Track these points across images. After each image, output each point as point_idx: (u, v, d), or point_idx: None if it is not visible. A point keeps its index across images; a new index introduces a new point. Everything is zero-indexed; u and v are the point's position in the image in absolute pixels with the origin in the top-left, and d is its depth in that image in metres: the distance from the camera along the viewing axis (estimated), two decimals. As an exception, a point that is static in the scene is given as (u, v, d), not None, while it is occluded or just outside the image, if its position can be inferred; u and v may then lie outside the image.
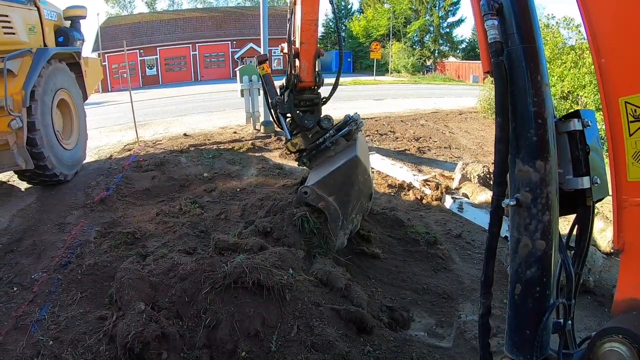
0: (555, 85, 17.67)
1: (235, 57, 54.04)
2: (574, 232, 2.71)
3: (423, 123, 17.43)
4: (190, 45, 54.80)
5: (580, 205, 2.56)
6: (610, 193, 2.33)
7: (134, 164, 11.24)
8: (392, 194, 9.96)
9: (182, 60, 55.34)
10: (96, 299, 5.36)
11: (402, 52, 57.71)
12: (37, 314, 5.08)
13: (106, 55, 46.72)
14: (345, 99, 24.62)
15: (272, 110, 7.10)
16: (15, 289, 5.71)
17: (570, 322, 2.59)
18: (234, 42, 54.66)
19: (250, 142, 13.51)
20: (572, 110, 13.86)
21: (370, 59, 49.53)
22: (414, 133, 15.67)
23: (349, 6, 75.25)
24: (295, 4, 6.68)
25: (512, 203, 2.38)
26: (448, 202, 9.30)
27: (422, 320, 5.58)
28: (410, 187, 10.10)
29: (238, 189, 9.35)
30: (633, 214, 2.18)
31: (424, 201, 9.55)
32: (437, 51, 63.90)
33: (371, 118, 18.00)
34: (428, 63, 60.28)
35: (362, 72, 57.55)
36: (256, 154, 12.61)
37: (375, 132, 15.35)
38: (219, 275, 4.59)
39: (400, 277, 6.49)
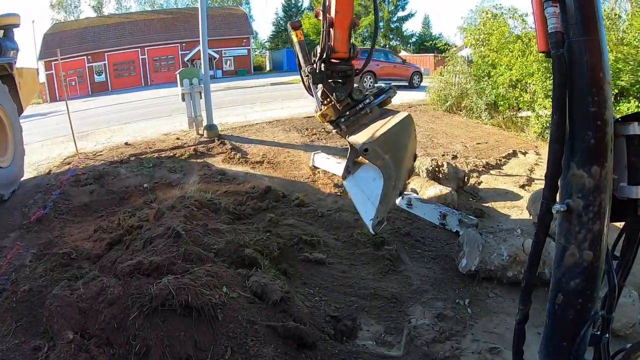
0: (504, 74, 17.88)
1: (185, 59, 53.43)
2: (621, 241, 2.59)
3: (372, 118, 17.38)
4: (139, 49, 53.91)
5: (630, 214, 2.43)
6: None
7: (73, 179, 10.79)
8: (339, 193, 9.83)
9: (131, 65, 54.39)
10: (32, 328, 5.02)
11: (353, 48, 58.05)
12: (-29, 348, 4.76)
13: (52, 63, 45.62)
14: (294, 98, 24.50)
15: (303, 79, 7.08)
16: (-52, 320, 5.35)
17: (607, 335, 2.45)
18: (184, 44, 53.98)
19: (192, 148, 13.22)
20: (521, 97, 14.06)
21: (322, 56, 49.70)
22: (362, 129, 15.63)
23: (300, 4, 75.32)
24: None
25: (562, 209, 2.26)
26: (398, 198, 9.18)
27: (370, 328, 5.46)
28: (357, 185, 9.97)
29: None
30: None
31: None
32: (387, 46, 64.42)
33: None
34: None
35: (314, 69, 57.80)
36: (198, 160, 12.32)
37: (322, 129, 15.22)
38: (145, 299, 4.39)
39: (347, 282, 6.38)
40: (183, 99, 14.55)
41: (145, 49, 53.86)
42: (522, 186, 11.29)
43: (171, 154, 12.74)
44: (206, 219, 7.13)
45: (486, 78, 19.24)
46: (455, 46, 26.59)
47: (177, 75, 14.68)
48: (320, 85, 6.88)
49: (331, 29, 6.66)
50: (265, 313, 4.78)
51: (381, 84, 7.06)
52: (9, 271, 6.51)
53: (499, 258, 6.42)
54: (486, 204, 10.19)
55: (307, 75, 6.80)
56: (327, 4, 6.80)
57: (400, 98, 23.31)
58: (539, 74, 15.94)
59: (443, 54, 25.70)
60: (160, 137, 15.26)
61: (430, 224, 8.32)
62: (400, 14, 65.23)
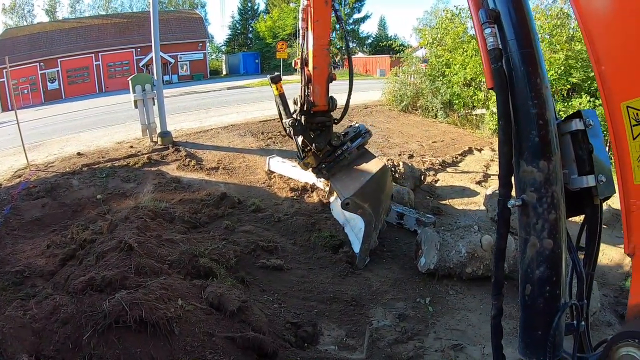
0: (458, 72, 18.20)
1: (140, 64, 52.66)
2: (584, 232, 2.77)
3: (326, 120, 17.39)
4: (93, 54, 52.79)
5: (588, 205, 2.62)
6: (617, 192, 2.37)
7: (24, 192, 10.43)
8: (295, 197, 9.81)
9: (85, 71, 53.23)
10: (-14, 354, 4.89)
11: (308, 51, 58.06)
12: None
13: (4, 70, 44.42)
14: (250, 102, 24.44)
15: (285, 129, 7.50)
16: None
17: (583, 323, 2.62)
18: (139, 49, 53.11)
19: (146, 156, 12.99)
20: (475, 95, 14.35)
21: (277, 59, 49.44)
22: (317, 131, 15.62)
23: (255, 7, 75.08)
24: (307, 29, 6.92)
25: (518, 203, 2.46)
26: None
27: (332, 333, 5.47)
28: (313, 188, 9.97)
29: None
30: None
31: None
32: (343, 48, 64.85)
33: (274, 119, 17.71)
34: (336, 59, 60.91)
35: (270, 72, 57.17)
36: (153, 169, 12.11)
37: (278, 133, 15.22)
38: (99, 316, 4.27)
39: (306, 287, 6.39)
40: (136, 106, 14.27)
41: (100, 54, 52.81)
42: (479, 182, 11.48)
43: (125, 163, 12.49)
44: (160, 230, 7.02)
45: (441, 77, 19.51)
46: (411, 47, 26.88)
47: (130, 82, 14.41)
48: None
49: (310, 84, 6.98)
50: (223, 324, 4.72)
51: (358, 124, 7.46)
52: (-41, 291, 6.28)
53: (457, 255, 6.51)
54: (444, 202, 10.30)
55: (289, 127, 7.15)
56: (305, 59, 7.08)
57: (358, 99, 23.45)
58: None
59: (398, 55, 25.99)
60: (114, 145, 14.94)
61: (387, 223, 8.34)
62: (357, 15, 65.86)
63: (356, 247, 7.12)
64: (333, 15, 7.08)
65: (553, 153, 2.40)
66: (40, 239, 8.06)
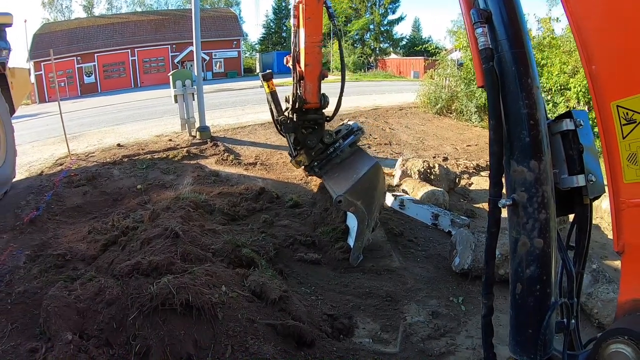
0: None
1: (175, 61, 53.24)
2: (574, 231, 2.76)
3: (363, 120, 17.42)
4: (129, 50, 53.63)
5: (578, 204, 2.61)
6: (607, 192, 2.37)
7: (66, 180, 10.77)
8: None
9: (121, 66, 54.09)
10: (27, 330, 4.96)
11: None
12: (-32, 352, 4.72)
13: (42, 63, 45.25)
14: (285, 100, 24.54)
15: (277, 127, 7.57)
16: (-55, 325, 5.31)
17: (574, 322, 2.63)
18: (174, 46, 53.79)
19: (185, 149, 13.20)
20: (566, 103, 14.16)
21: (311, 59, 49.57)
22: (353, 130, 15.65)
23: (290, 6, 75.11)
24: (298, 26, 6.94)
25: (508, 203, 2.46)
26: (389, 199, 9.25)
27: (367, 326, 5.50)
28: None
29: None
30: (631, 215, 2.23)
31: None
32: (378, 49, 64.55)
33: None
34: (370, 60, 60.74)
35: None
36: (191, 162, 12.33)
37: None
38: (145, 298, 4.41)
39: (342, 282, 6.45)
40: (176, 101, 14.52)
41: (136, 50, 53.62)
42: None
43: (164, 156, 12.73)
44: (202, 220, 7.14)
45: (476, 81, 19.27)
46: (445, 49, 26.68)
47: (170, 77, 14.65)
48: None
49: (302, 81, 6.94)
50: (264, 312, 4.81)
51: (349, 122, 7.40)
52: (3, 273, 6.43)
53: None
54: (477, 205, 10.28)
55: (280, 125, 7.12)
56: (297, 56, 7.03)
57: (392, 101, 23.44)
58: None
59: (433, 57, 25.84)
60: (153, 138, 15.23)
61: (422, 224, 8.38)
62: (391, 17, 65.58)
63: (350, 243, 7.09)
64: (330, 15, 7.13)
65: (544, 153, 2.41)
66: (81, 225, 8.27)
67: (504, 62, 2.44)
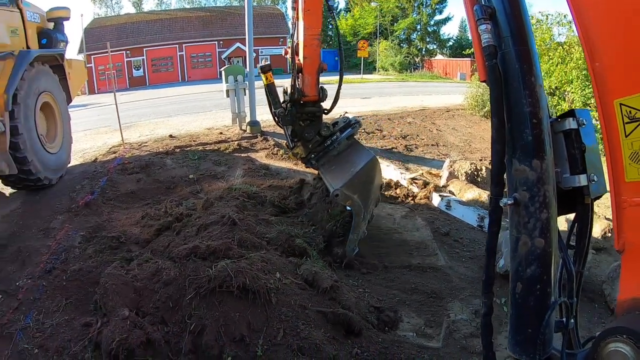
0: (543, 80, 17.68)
1: (222, 57, 53.84)
2: (574, 230, 2.74)
3: (410, 121, 17.42)
4: (177, 45, 54.52)
5: (579, 203, 2.60)
6: (609, 192, 2.35)
7: (119, 167, 11.14)
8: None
9: (169, 61, 55.05)
10: (81, 306, 5.24)
11: (389, 50, 57.70)
12: (22, 322, 4.97)
13: (92, 56, 46.26)
14: (331, 98, 24.54)
15: (274, 119, 7.41)
16: (0, 296, 5.60)
17: (573, 321, 2.62)
18: (221, 42, 54.44)
19: (236, 142, 13.42)
20: (559, 105, 13.99)
21: (358, 57, 49.49)
22: (401, 131, 15.66)
23: (335, 5, 75.21)
24: (297, 18, 6.85)
25: (510, 202, 2.44)
26: (436, 200, 9.27)
27: (411, 321, 5.53)
28: (397, 185, 10.06)
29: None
30: (632, 214, 2.19)
31: (412, 199, 9.49)
32: (424, 49, 64.06)
33: (358, 116, 17.89)
34: (416, 60, 60.30)
35: (349, 70, 57.32)
36: (242, 155, 12.53)
37: (362, 130, 15.29)
38: (203, 280, 4.56)
39: (388, 277, 6.49)
40: (227, 95, 14.82)
41: (184, 45, 54.47)
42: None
43: (215, 148, 13.00)
44: (254, 210, 7.31)
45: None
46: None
47: (223, 72, 14.95)
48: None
49: (300, 74, 6.89)
50: (315, 299, 4.91)
51: (348, 115, 7.30)
52: (59, 251, 6.74)
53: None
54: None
55: (278, 117, 7.10)
56: (296, 49, 7.01)
57: (439, 102, 23.33)
58: (578, 82, 15.80)
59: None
60: (204, 131, 15.55)
61: (468, 225, 8.37)
62: (438, 17, 64.96)
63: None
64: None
65: (546, 152, 2.39)
66: (134, 210, 8.53)
67: (508, 59, 2.43)
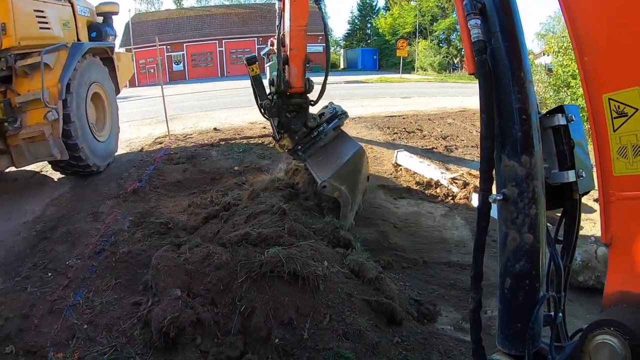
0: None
1: (262, 53, 54.07)
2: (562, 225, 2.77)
3: (450, 122, 17.32)
4: (217, 41, 55.15)
5: (567, 199, 2.63)
6: (596, 187, 2.35)
7: (165, 157, 11.43)
8: (420, 190, 9.98)
9: (209, 56, 55.74)
10: (130, 286, 5.46)
11: (428, 50, 57.16)
12: (71, 299, 5.19)
13: (133, 50, 47.05)
14: (372, 97, 24.61)
15: (260, 110, 7.42)
16: (49, 274, 5.82)
17: (561, 314, 2.64)
18: (260, 39, 54.72)
19: (279, 137, 13.49)
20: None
21: (397, 57, 49.21)
22: (441, 131, 15.59)
23: (374, 3, 75.17)
24: (284, 9, 6.88)
25: (499, 198, 2.45)
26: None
27: (449, 315, 5.62)
28: (437, 184, 10.11)
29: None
30: (619, 208, 2.21)
31: (452, 199, 9.55)
32: (463, 50, 63.39)
33: (398, 116, 17.98)
34: (455, 61, 59.74)
35: (388, 69, 57.14)
36: (286, 149, 12.55)
37: (403, 129, 15.31)
38: (255, 265, 4.71)
39: (428, 272, 6.59)
40: (272, 90, 14.97)
41: (223, 41, 55.06)
42: (596, 200, 11.15)
43: (259, 142, 13.17)
44: (299, 201, 7.45)
45: (565, 89, 18.67)
46: (533, 53, 25.80)
47: (268, 68, 15.12)
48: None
49: (286, 65, 6.87)
50: (360, 288, 5.03)
51: (335, 105, 7.15)
52: (108, 234, 7.01)
53: (573, 262, 6.47)
54: (559, 213, 10.15)
55: (264, 108, 7.08)
56: (282, 39, 6.98)
57: (476, 103, 23.14)
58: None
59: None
60: (247, 125, 15.76)
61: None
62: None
63: None
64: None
65: (535, 148, 2.39)
66: (180, 199, 8.79)
67: (497, 55, 2.43)
